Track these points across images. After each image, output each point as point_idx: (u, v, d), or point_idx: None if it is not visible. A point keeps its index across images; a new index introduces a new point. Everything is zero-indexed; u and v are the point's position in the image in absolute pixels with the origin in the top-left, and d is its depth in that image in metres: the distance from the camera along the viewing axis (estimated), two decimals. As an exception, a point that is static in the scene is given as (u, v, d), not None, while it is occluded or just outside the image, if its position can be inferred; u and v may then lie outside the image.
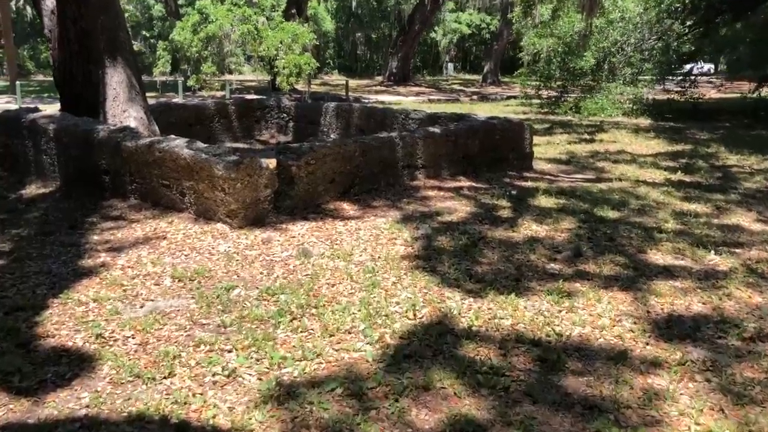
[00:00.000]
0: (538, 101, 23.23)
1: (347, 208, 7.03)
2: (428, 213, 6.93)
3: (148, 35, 47.79)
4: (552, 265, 5.48)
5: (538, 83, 23.16)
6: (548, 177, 9.70)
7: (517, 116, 20.48)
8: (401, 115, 11.55)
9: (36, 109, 8.97)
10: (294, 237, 6.05)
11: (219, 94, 27.48)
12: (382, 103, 26.26)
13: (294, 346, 3.91)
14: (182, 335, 4.04)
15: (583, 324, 4.33)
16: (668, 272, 5.42)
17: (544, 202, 7.65)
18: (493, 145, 9.53)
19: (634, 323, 4.38)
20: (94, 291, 4.77)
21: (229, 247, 5.77)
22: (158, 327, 4.14)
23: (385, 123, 11.77)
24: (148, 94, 28.01)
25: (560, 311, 4.54)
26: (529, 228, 6.51)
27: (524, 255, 5.68)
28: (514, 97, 29.64)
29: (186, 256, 5.58)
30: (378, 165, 7.75)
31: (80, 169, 7.56)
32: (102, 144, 7.19)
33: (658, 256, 5.82)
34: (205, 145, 6.61)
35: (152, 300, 4.61)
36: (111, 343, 3.96)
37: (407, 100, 28.68)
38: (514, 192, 7.99)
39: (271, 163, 6.84)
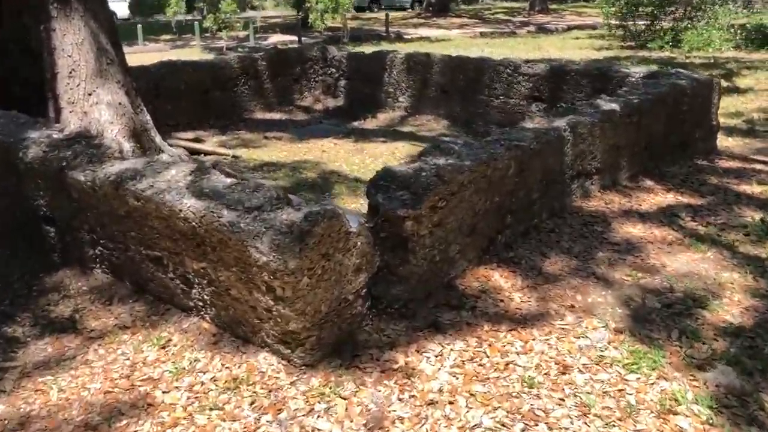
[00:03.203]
0: (620, 33, 19.09)
1: (505, 286, 3.62)
2: (669, 296, 3.49)
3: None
4: None
5: (623, 11, 18.95)
6: (762, 168, 6.14)
7: (599, 53, 16.68)
8: (507, 68, 7.96)
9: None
10: (432, 401, 2.69)
11: (242, 34, 23.68)
12: (428, 39, 22.55)
13: None
14: None
15: None
16: None
17: (843, 243, 4.16)
18: (679, 121, 5.97)
19: None
20: None
21: (294, 457, 2.44)
22: None
23: (481, 82, 8.22)
24: (162, 38, 24.47)
25: None
26: None
27: None
28: (578, 28, 25.64)
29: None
30: (538, 183, 4.28)
31: (7, 212, 4.22)
32: (34, 172, 3.81)
33: None
34: (230, 182, 3.20)
35: None
36: None
37: (453, 34, 24.64)
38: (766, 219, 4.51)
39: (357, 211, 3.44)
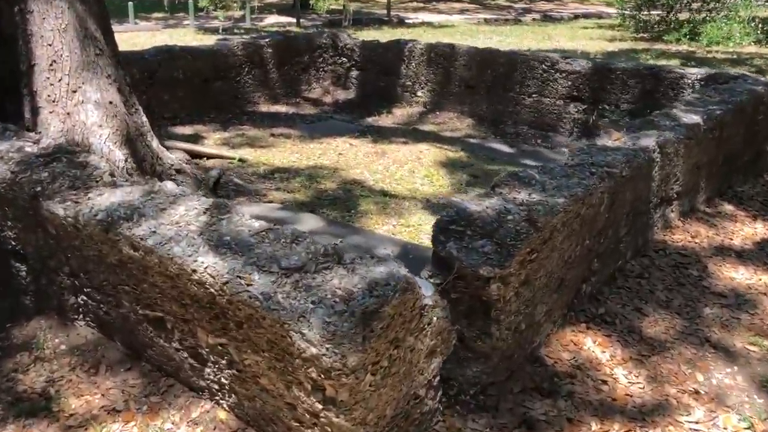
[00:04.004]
0: (633, 24, 18.23)
1: (603, 358, 2.87)
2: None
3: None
4: None
5: (638, 0, 18.10)
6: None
7: (612, 44, 15.84)
8: (542, 64, 7.15)
9: None
10: None
11: (237, 14, 22.60)
12: (431, 24, 21.76)
13: None
14: None
15: None
16: None
17: None
18: (754, 132, 5.22)
19: None
20: None
21: None
22: None
23: (511, 78, 7.41)
24: (154, 16, 23.35)
25: None
26: None
27: None
28: (584, 16, 24.95)
29: None
30: (624, 216, 3.50)
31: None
32: (0, 198, 2.99)
33: None
34: (258, 227, 2.39)
35: None
36: None
37: (455, 20, 23.73)
38: None
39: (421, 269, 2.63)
